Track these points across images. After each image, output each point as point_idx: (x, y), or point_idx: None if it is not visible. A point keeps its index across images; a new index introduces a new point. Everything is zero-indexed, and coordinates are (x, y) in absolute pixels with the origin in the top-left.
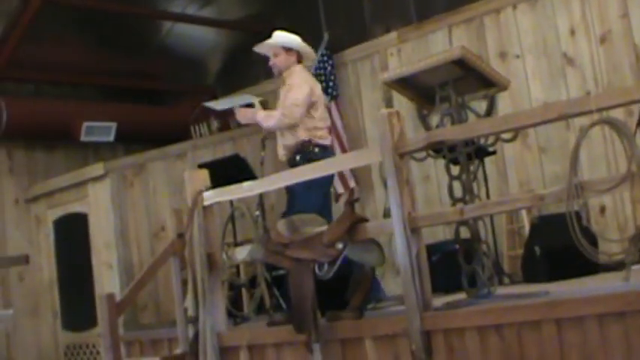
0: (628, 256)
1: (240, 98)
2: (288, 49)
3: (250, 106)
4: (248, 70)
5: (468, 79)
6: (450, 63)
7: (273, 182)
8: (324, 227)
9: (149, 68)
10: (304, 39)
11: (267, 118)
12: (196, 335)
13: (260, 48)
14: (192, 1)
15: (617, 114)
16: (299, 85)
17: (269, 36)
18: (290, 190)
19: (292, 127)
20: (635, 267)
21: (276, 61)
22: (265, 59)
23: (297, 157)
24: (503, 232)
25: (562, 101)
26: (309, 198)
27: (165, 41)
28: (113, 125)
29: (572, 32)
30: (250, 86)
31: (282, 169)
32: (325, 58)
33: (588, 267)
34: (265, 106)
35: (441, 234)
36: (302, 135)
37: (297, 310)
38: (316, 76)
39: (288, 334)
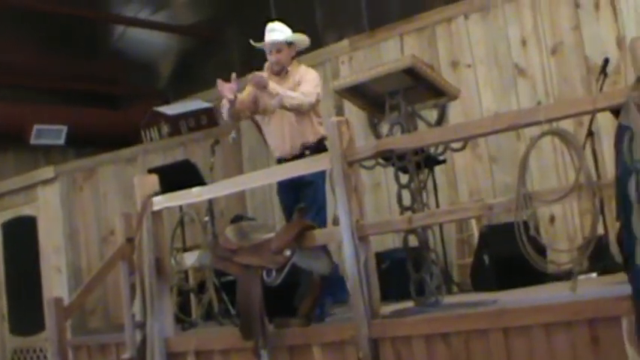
0: (576, 266)
1: (191, 104)
2: (290, 43)
3: (202, 111)
4: (200, 74)
5: (419, 88)
6: (401, 72)
7: (223, 188)
8: (273, 234)
9: (101, 72)
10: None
11: (288, 94)
12: (144, 340)
13: (264, 44)
14: (145, 5)
15: (567, 125)
16: (314, 77)
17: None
18: (307, 183)
19: (310, 121)
20: (582, 277)
21: (281, 57)
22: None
23: (307, 152)
24: (453, 240)
25: (512, 111)
26: (324, 190)
27: (118, 45)
28: (64, 128)
29: (524, 43)
30: (202, 91)
31: (232, 174)
32: None
33: (537, 276)
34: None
35: (391, 242)
36: (321, 131)
37: (245, 316)
38: None
39: (235, 340)
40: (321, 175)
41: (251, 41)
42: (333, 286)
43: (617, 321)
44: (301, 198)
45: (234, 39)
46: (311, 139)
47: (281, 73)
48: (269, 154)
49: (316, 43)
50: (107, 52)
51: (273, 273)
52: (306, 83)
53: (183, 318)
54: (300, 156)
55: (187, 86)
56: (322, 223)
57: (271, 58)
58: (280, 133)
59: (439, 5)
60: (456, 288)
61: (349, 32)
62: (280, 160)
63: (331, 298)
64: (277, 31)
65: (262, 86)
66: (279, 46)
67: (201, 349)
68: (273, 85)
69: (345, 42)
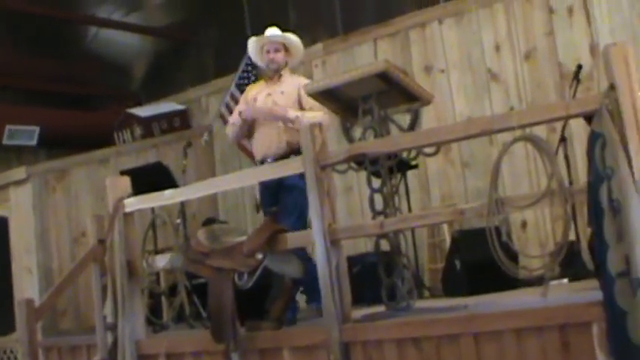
0: (547, 272)
1: (164, 106)
2: (287, 49)
3: (175, 114)
4: (173, 77)
5: (392, 92)
6: (374, 76)
7: (195, 191)
8: (245, 237)
9: (74, 72)
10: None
11: (307, 115)
12: (115, 342)
13: (262, 39)
14: (118, 7)
15: (540, 131)
16: None
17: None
18: (289, 186)
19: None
20: (554, 282)
21: (277, 57)
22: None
23: (292, 156)
24: (425, 245)
25: (484, 117)
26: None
27: (91, 46)
28: (36, 129)
29: (497, 48)
30: (175, 93)
31: (204, 177)
32: (249, 68)
33: (508, 282)
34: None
35: (363, 246)
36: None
37: (216, 319)
38: (240, 85)
39: (206, 343)
40: (304, 179)
41: (271, 30)
42: (318, 291)
43: (588, 327)
44: (282, 202)
45: (208, 42)
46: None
47: (274, 76)
48: (241, 157)
49: None
50: (80, 53)
51: (245, 276)
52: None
53: (154, 320)
54: (283, 157)
55: (161, 88)
56: (303, 228)
57: (268, 55)
58: (269, 138)
59: (413, 10)
60: (427, 293)
61: (323, 36)
62: (263, 162)
63: (315, 304)
64: (277, 32)
65: (281, 118)
66: (277, 45)
67: (172, 351)
68: (291, 113)
69: (318, 46)
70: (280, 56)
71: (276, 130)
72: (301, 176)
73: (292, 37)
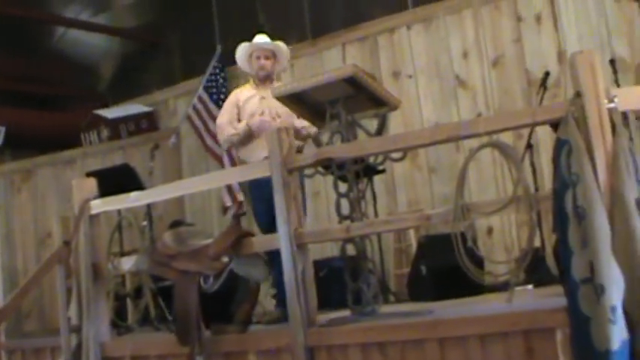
0: (512, 278)
1: (132, 107)
2: (275, 56)
3: (142, 115)
4: (141, 78)
5: (359, 97)
6: (342, 81)
7: (162, 193)
8: (211, 240)
9: (41, 72)
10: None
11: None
12: (79, 345)
13: (253, 46)
14: (86, 7)
15: (507, 137)
16: None
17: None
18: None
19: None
20: (518, 288)
21: (267, 64)
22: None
23: None
24: (391, 250)
25: (451, 123)
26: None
27: (59, 46)
28: (2, 129)
29: (465, 55)
30: (143, 95)
31: (171, 179)
32: (217, 71)
33: (474, 287)
34: None
35: (329, 250)
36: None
37: (182, 322)
38: (207, 88)
39: (171, 345)
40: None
41: (261, 36)
42: None
43: (552, 333)
44: None
45: (176, 44)
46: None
47: (266, 81)
48: (208, 160)
49: None
50: (47, 53)
51: (211, 279)
52: None
53: (119, 323)
54: None
55: (128, 90)
56: None
57: (259, 62)
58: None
59: (382, 15)
60: (393, 298)
61: (292, 40)
62: None
63: None
64: (268, 40)
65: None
66: (267, 53)
67: (136, 354)
68: (297, 123)
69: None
70: (270, 63)
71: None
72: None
73: (282, 45)
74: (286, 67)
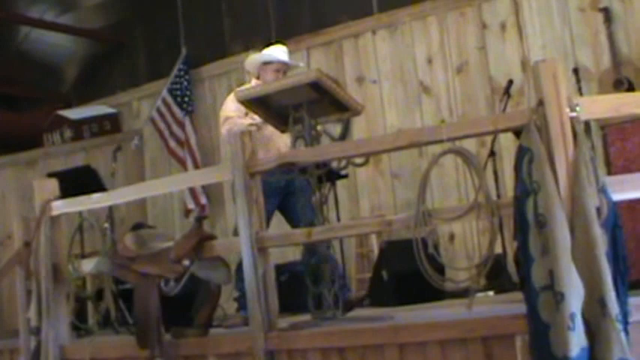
0: (473, 284)
1: (95, 109)
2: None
3: (105, 117)
4: (105, 80)
5: (323, 102)
6: (305, 85)
7: (124, 195)
8: (172, 243)
9: (4, 72)
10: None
11: None
12: (38, 347)
13: (275, 59)
14: (51, 7)
15: (470, 144)
16: None
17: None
18: (303, 188)
19: None
20: (479, 295)
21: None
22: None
23: None
24: (352, 255)
25: (414, 129)
26: None
27: (22, 46)
28: None
29: (430, 61)
30: (106, 97)
31: (133, 181)
32: (182, 73)
33: (435, 293)
34: None
35: (291, 255)
36: None
37: (141, 325)
38: (172, 90)
39: (131, 348)
40: (305, 185)
41: (284, 58)
42: None
43: (511, 339)
44: (295, 204)
45: (141, 45)
46: None
47: None
48: (171, 163)
49: (222, 53)
50: (11, 53)
51: (171, 282)
52: None
53: (79, 325)
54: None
55: (92, 91)
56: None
57: (276, 75)
58: (282, 140)
59: (347, 20)
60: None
61: (256, 43)
62: None
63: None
64: (287, 54)
65: None
66: (286, 68)
67: (96, 356)
68: None
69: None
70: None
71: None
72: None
73: (297, 65)
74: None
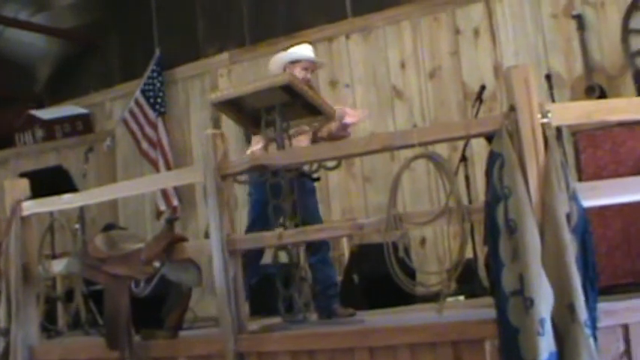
0: (444, 289)
1: (68, 109)
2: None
3: (78, 117)
4: (78, 80)
5: (295, 105)
6: (278, 88)
7: (95, 196)
8: (143, 244)
9: None
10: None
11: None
12: (7, 348)
13: (304, 57)
14: (24, 6)
15: (442, 149)
16: None
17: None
18: (310, 190)
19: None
20: (450, 299)
21: (310, 78)
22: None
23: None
24: None
25: (385, 133)
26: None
27: None
28: None
29: (403, 65)
30: (79, 97)
31: (105, 182)
32: (155, 74)
33: (406, 297)
34: None
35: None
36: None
37: (111, 326)
38: (145, 91)
39: (101, 350)
40: (308, 185)
41: (312, 56)
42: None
43: (481, 344)
44: (307, 204)
45: (114, 46)
46: None
47: None
48: (143, 164)
49: (196, 54)
50: None
51: (142, 284)
52: None
53: (49, 326)
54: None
55: (65, 91)
56: None
57: (305, 74)
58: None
59: (321, 24)
60: None
61: (230, 45)
62: None
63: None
64: (313, 52)
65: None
66: (314, 67)
67: (66, 358)
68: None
69: (225, 55)
70: (311, 77)
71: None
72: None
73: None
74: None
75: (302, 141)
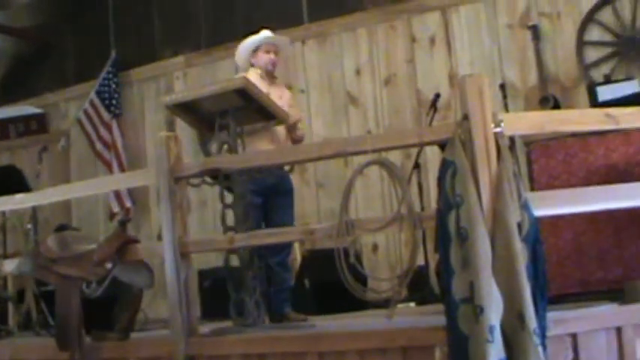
0: (395, 295)
1: (22, 108)
2: (278, 55)
3: (32, 117)
4: (33, 80)
5: (249, 109)
6: (232, 92)
7: (48, 196)
8: (95, 245)
9: None
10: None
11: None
12: None
13: (273, 39)
14: None
15: (396, 156)
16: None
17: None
18: (287, 190)
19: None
20: (401, 306)
21: (277, 60)
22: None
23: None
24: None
25: (339, 139)
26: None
27: None
28: None
29: (358, 72)
30: (34, 97)
31: (58, 183)
32: (111, 76)
33: (357, 303)
34: None
35: (215, 261)
36: None
37: (62, 327)
38: (100, 92)
39: (51, 351)
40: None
41: (268, 31)
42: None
43: (431, 350)
44: (283, 205)
45: (70, 46)
46: None
47: (272, 77)
48: (97, 165)
49: (152, 57)
50: None
51: (93, 285)
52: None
53: None
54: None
55: (19, 91)
56: None
57: (269, 56)
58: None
59: (277, 29)
60: None
61: (186, 48)
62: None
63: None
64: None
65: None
66: (276, 48)
67: (16, 358)
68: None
69: (180, 58)
70: (278, 59)
71: (278, 134)
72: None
73: (287, 41)
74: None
75: (260, 143)
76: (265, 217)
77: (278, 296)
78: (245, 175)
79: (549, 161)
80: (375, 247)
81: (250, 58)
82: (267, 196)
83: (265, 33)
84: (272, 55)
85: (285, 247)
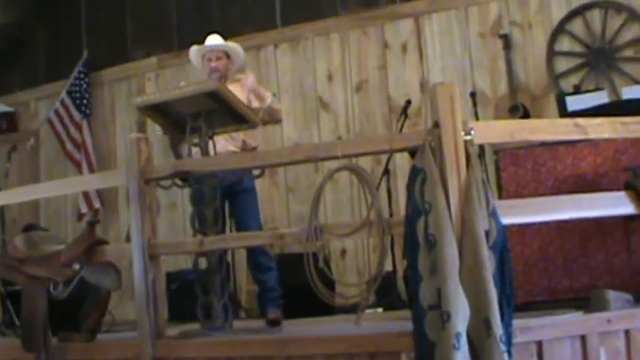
0: (362, 300)
1: None
2: (228, 56)
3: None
4: (3, 78)
5: (221, 112)
6: (204, 95)
7: (16, 195)
8: (63, 246)
9: None
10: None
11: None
12: None
13: (203, 49)
14: None
15: (366, 162)
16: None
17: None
18: (248, 189)
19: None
20: (369, 311)
21: (219, 65)
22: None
23: None
24: (243, 266)
25: (310, 144)
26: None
27: None
28: None
29: (330, 77)
30: (4, 95)
31: (27, 182)
32: (82, 76)
33: (325, 308)
34: None
35: (184, 263)
36: (252, 143)
37: (28, 327)
38: (71, 92)
39: (17, 351)
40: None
41: (213, 37)
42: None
43: (397, 356)
44: (244, 205)
45: (42, 45)
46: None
47: (219, 80)
48: (67, 165)
49: (124, 57)
50: None
51: (60, 286)
52: (261, 88)
53: None
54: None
55: None
56: (261, 229)
57: (209, 64)
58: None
59: (250, 32)
60: (244, 313)
61: (158, 50)
62: None
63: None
64: (218, 40)
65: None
66: (218, 54)
67: None
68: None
69: (153, 59)
70: (222, 63)
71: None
72: (252, 179)
73: (232, 45)
74: (244, 64)
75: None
76: (230, 217)
77: (261, 297)
78: (212, 179)
79: (518, 170)
80: (343, 253)
81: (204, 65)
82: (227, 197)
83: (208, 40)
84: (212, 63)
85: (260, 248)
